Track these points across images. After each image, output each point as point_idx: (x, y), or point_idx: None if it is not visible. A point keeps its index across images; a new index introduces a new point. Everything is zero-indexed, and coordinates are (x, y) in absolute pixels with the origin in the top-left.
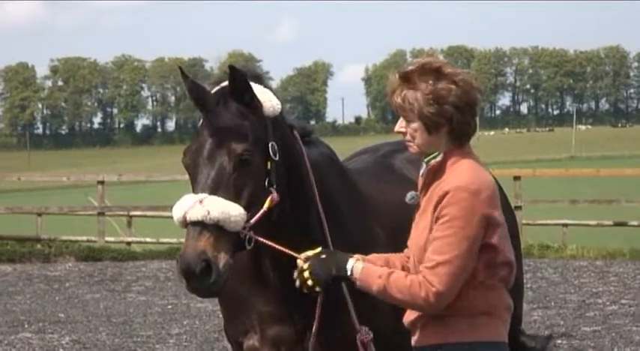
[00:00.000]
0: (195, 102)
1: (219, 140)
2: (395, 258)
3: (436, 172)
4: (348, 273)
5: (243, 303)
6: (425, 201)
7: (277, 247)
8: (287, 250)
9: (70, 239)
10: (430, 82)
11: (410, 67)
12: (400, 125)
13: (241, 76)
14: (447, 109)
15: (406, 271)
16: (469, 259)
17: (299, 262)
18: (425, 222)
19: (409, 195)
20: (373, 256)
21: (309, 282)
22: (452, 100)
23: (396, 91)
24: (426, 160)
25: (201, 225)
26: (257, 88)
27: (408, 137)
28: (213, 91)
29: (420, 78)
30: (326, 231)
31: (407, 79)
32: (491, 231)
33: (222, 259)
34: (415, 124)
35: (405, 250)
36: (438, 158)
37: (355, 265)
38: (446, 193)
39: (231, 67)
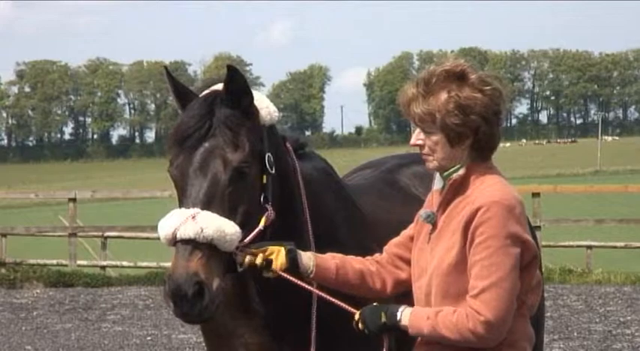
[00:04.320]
0: (183, 107)
1: (212, 149)
2: (355, 261)
3: (458, 188)
4: (398, 319)
5: (228, 334)
6: (444, 219)
7: (296, 281)
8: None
9: (39, 263)
10: (453, 89)
11: (429, 74)
12: (417, 137)
13: (241, 78)
14: (474, 120)
15: (369, 277)
16: (516, 280)
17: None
18: (449, 243)
19: (424, 213)
20: (328, 255)
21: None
22: (478, 110)
23: (414, 101)
24: (445, 174)
25: (192, 244)
26: (253, 93)
27: (426, 150)
28: (203, 95)
29: (441, 85)
30: (312, 250)
31: (426, 86)
32: (525, 251)
33: (215, 281)
34: (436, 137)
35: (376, 255)
36: (461, 172)
37: (405, 310)
38: (477, 210)
39: (231, 68)
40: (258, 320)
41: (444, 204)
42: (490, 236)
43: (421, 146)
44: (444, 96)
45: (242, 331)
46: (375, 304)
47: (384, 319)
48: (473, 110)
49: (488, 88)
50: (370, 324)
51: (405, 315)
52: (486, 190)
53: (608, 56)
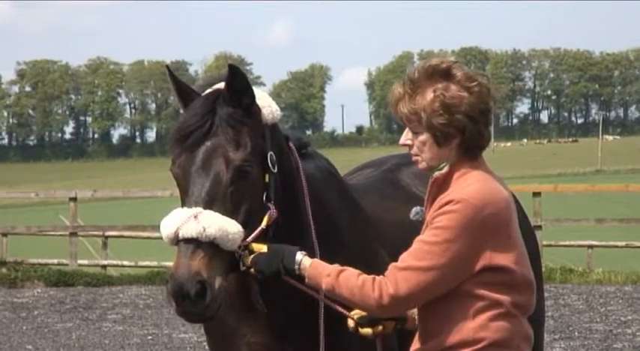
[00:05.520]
0: (186, 106)
1: (214, 148)
2: None
3: (441, 185)
4: (295, 268)
5: (231, 334)
6: (430, 215)
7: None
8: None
9: (39, 262)
10: (439, 88)
11: (415, 73)
12: (406, 137)
13: (242, 76)
14: (459, 119)
15: None
16: (446, 276)
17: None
18: None
19: (414, 211)
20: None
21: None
22: (464, 109)
23: (401, 100)
24: (432, 172)
25: (195, 243)
26: (256, 92)
27: (414, 150)
28: (205, 93)
29: (427, 83)
30: (316, 251)
31: (412, 86)
32: (501, 251)
33: (218, 281)
34: (423, 137)
35: None
36: (444, 170)
37: (303, 259)
38: (446, 203)
39: (232, 66)
40: (262, 320)
41: (430, 201)
42: (443, 227)
43: (410, 146)
44: (429, 95)
45: (245, 330)
46: (272, 245)
47: (280, 267)
48: (458, 109)
49: (474, 85)
50: (266, 268)
51: (304, 265)
52: (462, 189)
53: (609, 55)
